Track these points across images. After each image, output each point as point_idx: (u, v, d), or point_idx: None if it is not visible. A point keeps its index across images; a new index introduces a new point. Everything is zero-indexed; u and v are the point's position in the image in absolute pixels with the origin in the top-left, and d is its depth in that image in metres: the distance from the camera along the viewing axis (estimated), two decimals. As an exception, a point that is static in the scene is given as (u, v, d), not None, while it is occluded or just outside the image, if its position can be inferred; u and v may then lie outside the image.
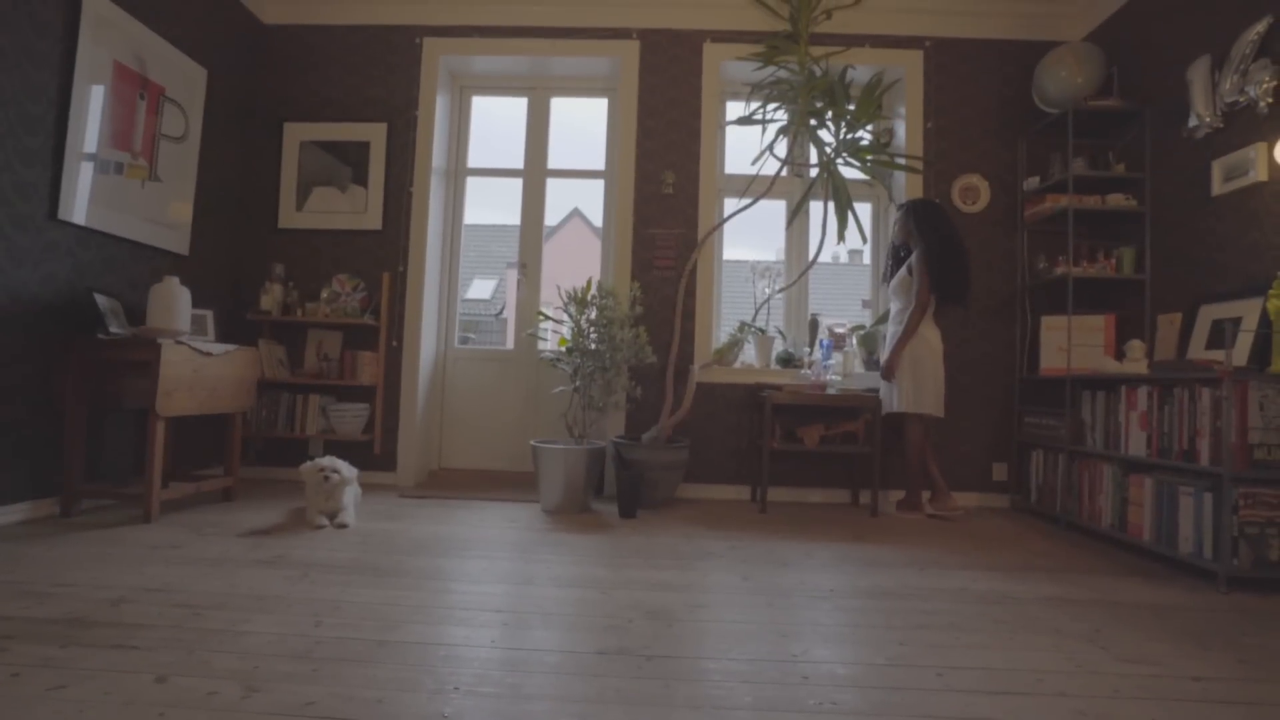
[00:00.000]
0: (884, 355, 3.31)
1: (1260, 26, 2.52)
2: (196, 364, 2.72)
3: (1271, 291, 2.29)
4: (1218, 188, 2.73)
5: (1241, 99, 2.59)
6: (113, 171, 2.83)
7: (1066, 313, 3.19)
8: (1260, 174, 2.53)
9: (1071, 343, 3.16)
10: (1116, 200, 3.19)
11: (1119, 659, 1.59)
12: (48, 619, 1.59)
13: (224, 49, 3.53)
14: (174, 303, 2.69)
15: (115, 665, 1.36)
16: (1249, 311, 2.52)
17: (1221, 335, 2.54)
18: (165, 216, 3.15)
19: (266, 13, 3.80)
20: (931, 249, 3.17)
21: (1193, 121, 2.81)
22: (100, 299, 2.67)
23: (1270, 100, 2.49)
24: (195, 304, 3.19)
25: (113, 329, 2.65)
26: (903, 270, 3.27)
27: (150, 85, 3.01)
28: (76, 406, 2.58)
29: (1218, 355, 2.53)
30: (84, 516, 2.60)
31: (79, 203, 2.67)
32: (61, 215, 2.59)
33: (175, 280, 2.71)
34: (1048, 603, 1.99)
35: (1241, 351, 2.47)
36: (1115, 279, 3.20)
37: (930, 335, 3.23)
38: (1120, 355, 3.09)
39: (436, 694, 1.30)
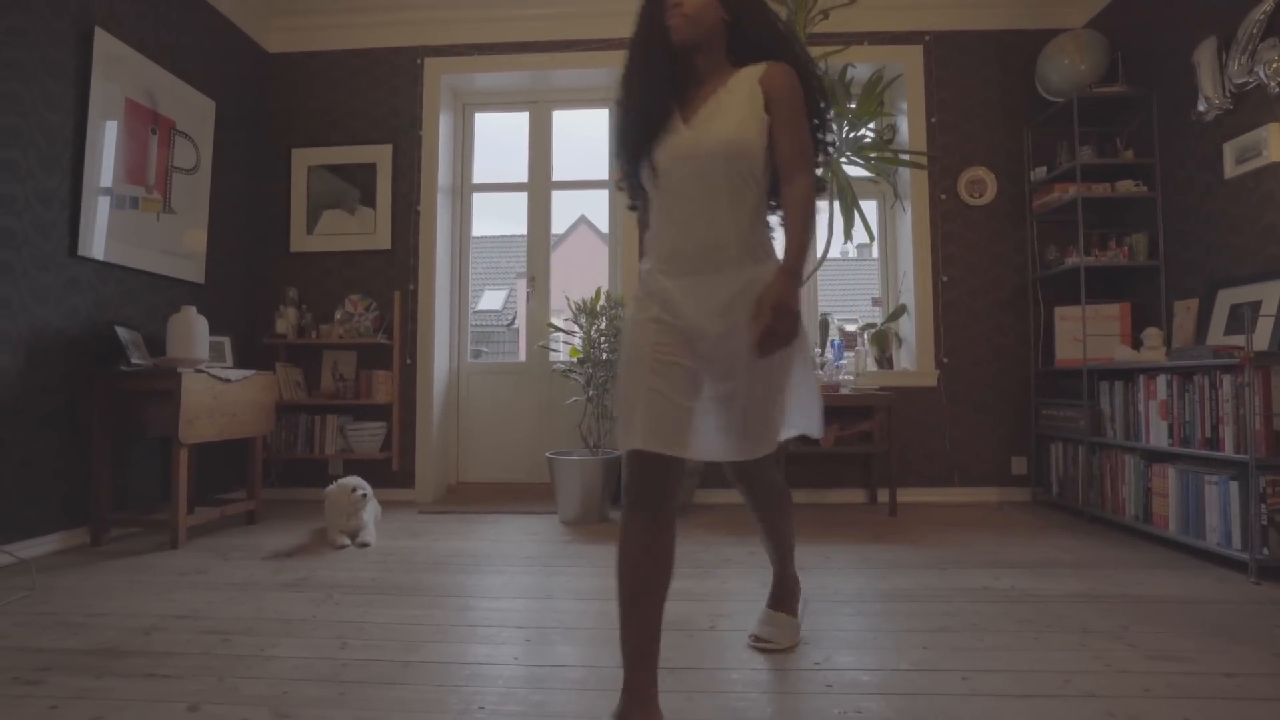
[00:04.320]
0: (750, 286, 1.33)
1: (1267, 5, 2.48)
2: (216, 391, 2.77)
3: (1290, 274, 2.25)
4: (1230, 170, 2.69)
5: (1250, 80, 2.55)
6: (128, 206, 2.89)
7: (1080, 303, 3.15)
8: (1273, 154, 2.49)
9: (1086, 333, 3.12)
10: (1126, 187, 3.15)
11: (1149, 656, 1.56)
12: (82, 649, 1.62)
13: (231, 80, 3.59)
14: (192, 332, 2.74)
15: (148, 694, 1.39)
16: (1268, 294, 2.48)
17: (1241, 320, 2.51)
18: (180, 247, 3.21)
19: (270, 42, 3.86)
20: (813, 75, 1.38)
21: (1201, 104, 2.77)
22: (121, 331, 2.73)
23: (1280, 80, 2.45)
24: (212, 331, 3.25)
25: (134, 360, 2.71)
26: (746, 105, 1.30)
27: (161, 119, 3.07)
28: (102, 437, 2.64)
29: (1238, 340, 2.49)
30: (113, 545, 2.65)
31: (97, 238, 2.73)
32: (81, 251, 2.65)
33: (192, 309, 2.77)
34: (1073, 599, 1.97)
35: (1263, 335, 2.42)
36: (1128, 266, 3.16)
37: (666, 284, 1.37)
38: (1137, 344, 3.05)
39: (462, 714, 1.31)
